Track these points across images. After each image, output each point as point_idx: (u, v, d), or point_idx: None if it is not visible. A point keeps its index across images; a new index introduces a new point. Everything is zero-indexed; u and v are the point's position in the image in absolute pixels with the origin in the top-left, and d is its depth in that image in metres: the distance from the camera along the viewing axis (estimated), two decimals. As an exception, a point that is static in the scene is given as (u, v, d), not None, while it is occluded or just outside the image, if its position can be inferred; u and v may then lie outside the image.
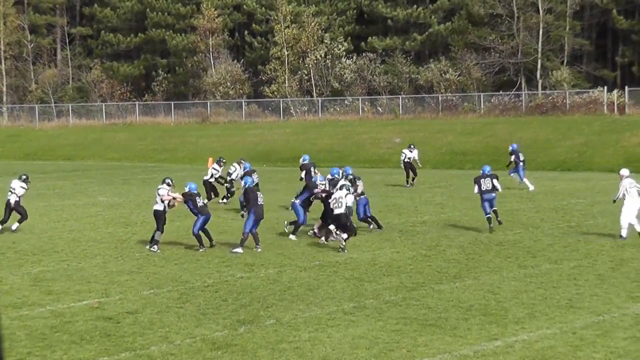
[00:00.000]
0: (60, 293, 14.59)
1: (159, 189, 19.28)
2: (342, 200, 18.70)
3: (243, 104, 60.61)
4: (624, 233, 18.79)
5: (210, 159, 39.11)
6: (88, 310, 13.35)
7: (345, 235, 18.32)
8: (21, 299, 14.20)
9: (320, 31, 62.37)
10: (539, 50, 55.97)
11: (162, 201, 19.04)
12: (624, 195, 18.87)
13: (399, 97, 55.95)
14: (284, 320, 12.53)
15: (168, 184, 19.39)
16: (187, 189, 19.08)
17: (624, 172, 19.47)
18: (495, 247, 18.41)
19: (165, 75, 70.69)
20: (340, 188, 19.24)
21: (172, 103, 63.34)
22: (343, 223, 18.55)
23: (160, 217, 19.03)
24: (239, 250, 18.27)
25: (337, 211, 18.64)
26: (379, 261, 17.07)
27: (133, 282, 15.46)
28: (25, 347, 11.40)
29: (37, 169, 45.42)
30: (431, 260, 17.07)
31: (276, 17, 62.63)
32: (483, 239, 19.59)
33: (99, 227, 22.57)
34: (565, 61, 57.08)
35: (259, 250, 18.39)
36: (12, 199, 21.86)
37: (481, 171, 21.68)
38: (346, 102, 58.13)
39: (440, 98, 54.51)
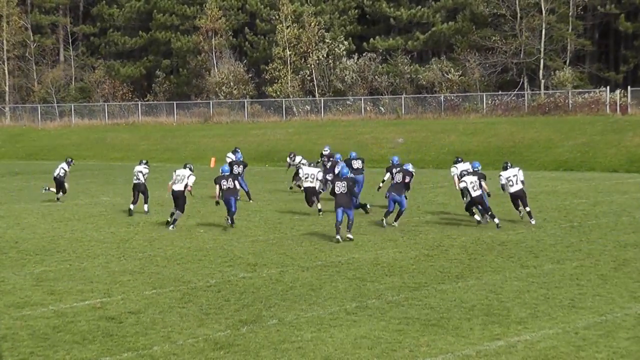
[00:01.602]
0: (63, 293, 14.60)
1: (189, 176, 21.94)
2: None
3: (246, 103, 60.63)
4: None
5: (213, 159, 39.23)
6: (90, 310, 13.36)
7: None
8: (23, 298, 14.22)
9: (321, 31, 62.36)
10: (542, 50, 55.93)
11: (186, 185, 21.89)
12: None
13: (401, 97, 55.93)
14: (287, 320, 12.53)
15: (190, 169, 22.33)
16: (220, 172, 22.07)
17: None
18: (497, 247, 18.40)
19: (166, 75, 70.73)
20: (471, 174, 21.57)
21: (175, 103, 63.41)
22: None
23: (180, 197, 21.77)
24: (337, 237, 19.42)
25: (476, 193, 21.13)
26: (381, 261, 17.07)
27: (135, 282, 15.47)
28: (28, 347, 11.40)
29: (39, 169, 45.48)
30: (433, 260, 17.06)
31: (277, 17, 62.63)
32: (485, 238, 19.59)
33: (101, 227, 22.59)
34: (567, 61, 57.04)
35: (340, 239, 19.31)
36: (140, 181, 24.81)
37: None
38: (348, 102, 58.13)
39: (442, 98, 54.49)
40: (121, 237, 20.86)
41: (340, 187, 19.65)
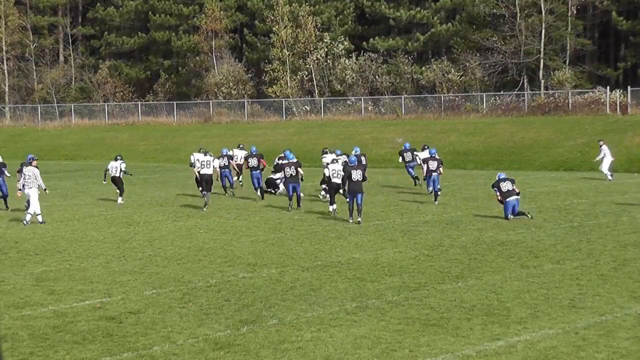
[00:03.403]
0: (63, 293, 14.60)
1: (213, 159, 26.31)
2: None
3: (245, 104, 60.62)
4: None
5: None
6: (90, 310, 13.36)
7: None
8: (23, 299, 14.22)
9: (319, 31, 62.26)
10: (541, 50, 55.91)
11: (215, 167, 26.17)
12: None
13: (401, 97, 55.91)
14: (287, 320, 12.53)
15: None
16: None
17: None
18: (497, 247, 18.40)
19: (167, 76, 70.71)
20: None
21: (175, 103, 63.41)
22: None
23: (210, 181, 25.62)
24: (349, 221, 22.11)
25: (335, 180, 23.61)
26: (381, 261, 17.07)
27: (135, 282, 15.47)
28: (28, 347, 11.40)
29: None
30: (433, 260, 17.06)
31: (273, 17, 62.52)
32: (485, 238, 19.59)
33: (101, 227, 22.60)
34: (567, 61, 57.02)
35: (352, 222, 21.97)
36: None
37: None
38: (348, 102, 58.11)
39: (442, 98, 54.46)
40: (121, 237, 20.86)
41: (357, 175, 21.92)
